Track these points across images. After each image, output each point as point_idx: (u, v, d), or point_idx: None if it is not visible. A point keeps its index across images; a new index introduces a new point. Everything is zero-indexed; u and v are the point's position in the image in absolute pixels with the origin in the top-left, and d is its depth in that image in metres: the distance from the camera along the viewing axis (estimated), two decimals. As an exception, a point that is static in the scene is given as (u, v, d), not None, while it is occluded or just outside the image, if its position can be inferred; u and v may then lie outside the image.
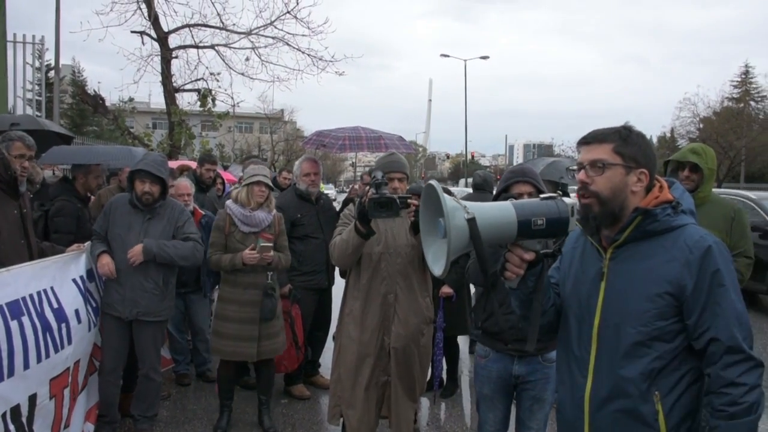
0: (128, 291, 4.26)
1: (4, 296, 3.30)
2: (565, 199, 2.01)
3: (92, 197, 5.52)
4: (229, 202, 4.72)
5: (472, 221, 1.88)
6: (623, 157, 1.99)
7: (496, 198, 3.36)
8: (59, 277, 3.91)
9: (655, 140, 47.52)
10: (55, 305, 3.73)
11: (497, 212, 1.97)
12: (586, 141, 2.06)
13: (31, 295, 3.54)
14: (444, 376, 5.62)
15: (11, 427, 3.19)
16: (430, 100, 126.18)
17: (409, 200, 3.46)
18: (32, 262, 3.82)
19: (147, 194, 4.32)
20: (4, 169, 3.87)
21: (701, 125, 34.37)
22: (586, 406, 2.06)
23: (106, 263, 4.19)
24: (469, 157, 49.68)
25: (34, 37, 12.02)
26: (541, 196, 2.03)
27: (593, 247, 2.13)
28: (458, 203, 1.93)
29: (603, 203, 1.99)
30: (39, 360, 3.45)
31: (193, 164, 7.32)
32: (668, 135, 40.50)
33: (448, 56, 42.62)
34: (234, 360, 4.69)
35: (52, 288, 3.77)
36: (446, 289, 5.20)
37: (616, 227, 2.02)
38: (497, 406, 3.37)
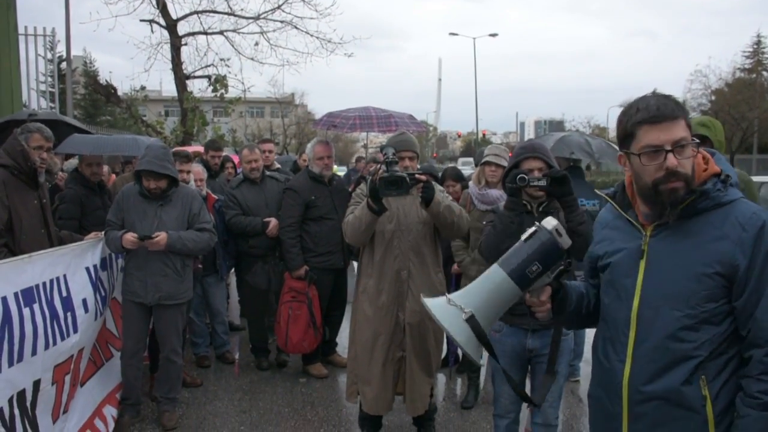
0: (149, 277, 4.35)
1: (21, 283, 3.36)
2: (545, 224, 1.91)
3: (106, 184, 5.61)
4: (470, 182, 4.91)
5: (471, 320, 1.85)
6: (690, 130, 1.84)
7: (507, 173, 3.39)
8: (74, 264, 3.97)
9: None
10: (64, 293, 3.79)
11: (490, 286, 1.92)
12: (659, 119, 1.82)
13: (44, 283, 3.60)
14: (459, 351, 5.69)
15: (16, 411, 3.26)
16: (439, 80, 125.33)
17: (417, 176, 3.51)
18: (51, 250, 3.88)
19: (155, 189, 4.39)
20: (23, 160, 3.96)
21: (713, 97, 33.91)
22: (624, 392, 1.94)
23: (130, 237, 4.23)
24: (480, 135, 49.42)
25: (45, 29, 12.12)
26: (523, 236, 1.93)
27: (629, 223, 2.00)
28: (453, 305, 1.89)
29: (688, 184, 1.83)
30: (46, 347, 3.51)
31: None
32: (680, 107, 39.98)
33: (456, 35, 42.65)
34: None
35: (64, 276, 3.82)
36: (458, 267, 5.23)
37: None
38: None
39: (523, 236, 1.93)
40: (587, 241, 3.14)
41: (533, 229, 1.92)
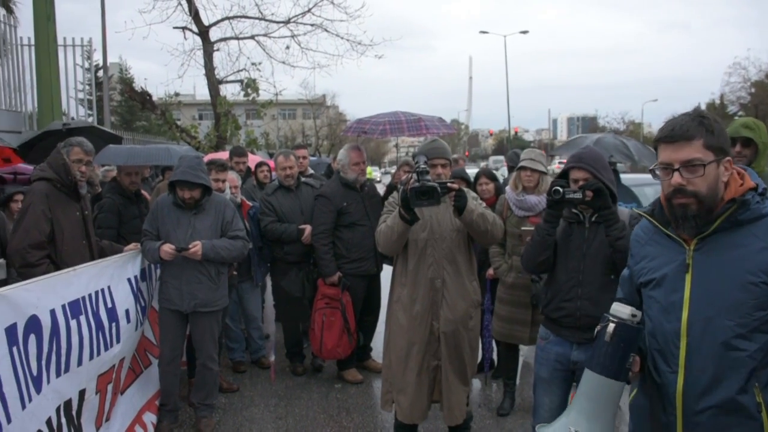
0: (185, 285, 4.41)
1: (68, 295, 3.46)
2: (620, 315, 1.99)
3: (144, 194, 5.71)
4: (507, 188, 4.94)
5: None
6: (714, 151, 1.92)
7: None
8: (116, 276, 4.07)
9: (703, 107, 45.78)
10: (109, 305, 3.88)
11: (601, 396, 2.00)
12: (671, 139, 1.94)
13: (90, 295, 3.70)
14: (495, 356, 5.65)
15: (63, 420, 3.36)
16: (470, 78, 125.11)
17: (449, 185, 3.49)
18: (95, 262, 3.99)
19: (189, 199, 4.43)
20: (65, 173, 4.07)
21: (753, 90, 33.08)
22: (678, 401, 1.99)
23: (167, 249, 4.30)
24: (512, 132, 49.01)
25: (82, 39, 12.36)
26: (606, 337, 1.99)
27: (669, 239, 2.06)
28: (569, 430, 1.98)
29: (702, 201, 1.93)
30: (91, 357, 3.61)
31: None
32: (717, 102, 38.99)
33: (487, 33, 42.09)
34: (507, 342, 4.89)
35: (108, 287, 3.92)
36: (492, 272, 5.20)
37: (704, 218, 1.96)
38: (554, 391, 3.33)
39: (606, 336, 1.99)
40: (626, 257, 3.10)
41: (612, 326, 1.98)
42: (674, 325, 1.99)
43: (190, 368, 5.10)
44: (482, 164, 45.61)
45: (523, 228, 4.44)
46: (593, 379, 2.01)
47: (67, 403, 3.43)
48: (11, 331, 2.96)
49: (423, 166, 3.46)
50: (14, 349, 2.96)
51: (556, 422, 2.08)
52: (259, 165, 7.17)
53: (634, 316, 1.98)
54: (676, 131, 1.94)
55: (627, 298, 2.26)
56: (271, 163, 7.97)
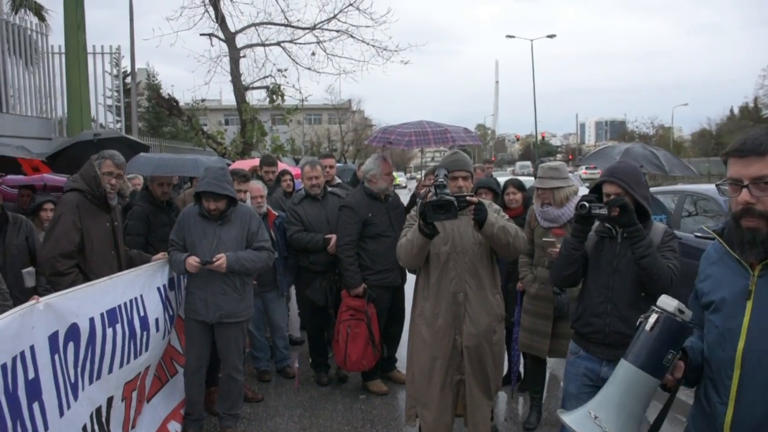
0: (210, 295, 4.43)
1: (105, 304, 3.54)
2: (666, 306, 1.89)
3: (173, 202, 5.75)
4: (533, 199, 4.93)
5: None
6: None
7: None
8: (148, 285, 4.13)
9: (736, 111, 45.03)
10: (142, 313, 3.94)
11: (628, 386, 1.89)
12: (742, 153, 1.81)
13: (125, 303, 3.78)
14: (521, 369, 5.57)
15: (96, 427, 3.42)
16: (497, 82, 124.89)
17: (468, 198, 3.45)
18: (128, 271, 4.05)
19: (214, 210, 4.44)
20: (96, 185, 4.13)
21: (788, 93, 32.51)
22: None
23: (192, 262, 4.33)
24: (539, 137, 48.64)
25: (111, 47, 12.54)
26: (647, 326, 1.88)
27: (736, 262, 1.92)
28: (588, 415, 1.88)
29: None
30: (121, 365, 3.67)
31: None
32: (751, 105, 38.25)
33: (513, 37, 41.82)
34: (530, 353, 4.83)
35: (141, 296, 3.99)
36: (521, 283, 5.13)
37: None
38: None
39: (647, 326, 1.89)
40: (650, 275, 3.03)
41: (655, 316, 1.88)
42: (729, 353, 1.86)
43: (209, 378, 5.07)
44: (509, 169, 45.36)
45: (544, 239, 4.41)
46: (626, 370, 1.90)
47: (98, 410, 3.49)
48: (53, 339, 3.03)
49: (441, 179, 3.45)
50: (56, 356, 3.03)
51: (579, 408, 1.99)
52: (282, 174, 7.16)
53: (681, 311, 1.87)
54: (747, 145, 1.81)
55: (695, 321, 2.11)
56: (294, 170, 7.98)
